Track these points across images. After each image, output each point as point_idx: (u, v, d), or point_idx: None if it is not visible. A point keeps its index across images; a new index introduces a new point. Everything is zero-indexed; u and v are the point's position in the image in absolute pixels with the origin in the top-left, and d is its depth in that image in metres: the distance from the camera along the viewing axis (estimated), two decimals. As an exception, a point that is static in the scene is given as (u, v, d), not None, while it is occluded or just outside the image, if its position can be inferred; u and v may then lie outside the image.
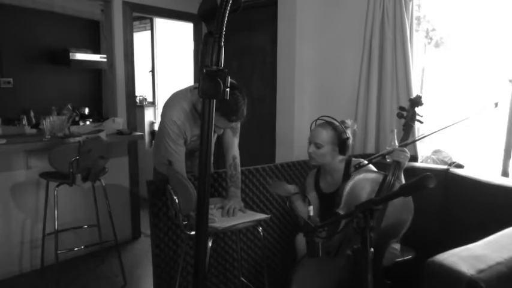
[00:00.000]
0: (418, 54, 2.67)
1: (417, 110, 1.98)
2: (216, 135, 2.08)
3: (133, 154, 3.62)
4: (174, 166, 1.97)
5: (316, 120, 2.02)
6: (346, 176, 1.94)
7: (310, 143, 2.00)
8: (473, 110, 2.04)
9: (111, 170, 3.02)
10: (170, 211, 2.06)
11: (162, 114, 2.03)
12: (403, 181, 1.85)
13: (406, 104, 2.50)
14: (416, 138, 2.14)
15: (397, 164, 1.79)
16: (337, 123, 1.97)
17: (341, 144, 1.94)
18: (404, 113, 1.98)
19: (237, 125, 2.13)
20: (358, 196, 1.75)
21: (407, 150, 1.83)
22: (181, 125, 1.96)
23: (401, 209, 1.70)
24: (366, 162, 1.86)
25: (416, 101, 1.97)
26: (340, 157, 2.02)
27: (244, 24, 3.42)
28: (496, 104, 1.95)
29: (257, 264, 2.52)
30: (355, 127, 2.06)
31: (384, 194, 1.69)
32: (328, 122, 2.00)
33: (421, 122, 2.00)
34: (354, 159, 2.04)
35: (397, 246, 1.93)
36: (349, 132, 1.98)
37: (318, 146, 1.95)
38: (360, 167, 1.81)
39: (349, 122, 2.02)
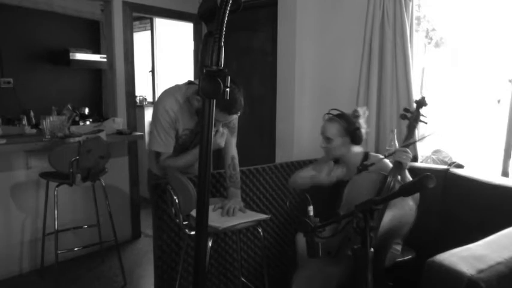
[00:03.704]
0: (418, 54, 2.66)
1: (421, 111, 1.99)
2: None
3: (133, 154, 3.62)
4: (161, 158, 1.94)
5: (326, 114, 2.05)
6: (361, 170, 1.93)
7: (322, 137, 2.03)
8: (475, 108, 2.05)
9: (111, 170, 3.03)
10: (169, 210, 2.06)
11: (155, 105, 2.02)
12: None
13: (405, 104, 2.52)
14: (418, 139, 2.14)
15: (399, 165, 1.80)
16: (346, 115, 1.99)
17: (351, 134, 1.96)
18: (408, 114, 2.00)
19: (235, 124, 2.12)
20: (358, 196, 1.75)
21: (409, 151, 1.83)
22: (173, 115, 1.93)
23: (403, 211, 1.70)
24: (380, 157, 1.89)
25: (422, 102, 1.98)
26: (357, 149, 2.03)
27: (244, 24, 3.42)
28: (499, 101, 1.96)
29: (257, 264, 2.52)
30: (367, 113, 2.07)
31: (385, 194, 1.69)
32: (337, 115, 2.01)
33: (425, 123, 2.00)
34: (372, 154, 2.05)
35: (398, 247, 1.93)
36: (361, 121, 1.99)
37: (329, 140, 1.99)
38: (364, 168, 1.81)
39: (360, 110, 2.03)
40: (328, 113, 2.05)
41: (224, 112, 1.84)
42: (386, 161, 1.92)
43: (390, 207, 1.72)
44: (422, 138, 2.04)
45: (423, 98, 1.99)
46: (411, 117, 1.98)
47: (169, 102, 1.93)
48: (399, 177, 1.83)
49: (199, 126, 1.99)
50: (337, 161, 2.13)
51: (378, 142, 2.75)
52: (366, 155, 2.05)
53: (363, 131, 2.00)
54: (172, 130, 1.96)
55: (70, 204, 3.16)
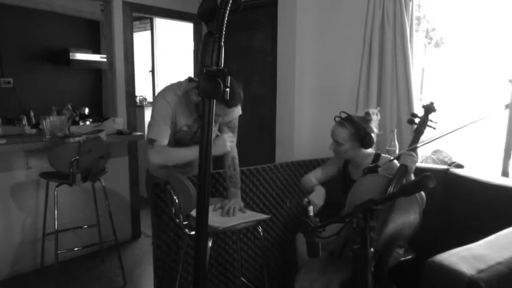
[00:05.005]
0: (418, 54, 2.66)
1: (430, 116, 1.99)
2: (215, 134, 2.06)
3: (133, 154, 3.62)
4: (155, 145, 1.89)
5: (336, 117, 2.04)
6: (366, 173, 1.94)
7: (332, 139, 2.04)
8: (483, 112, 2.05)
9: (111, 170, 3.03)
10: (169, 210, 2.06)
11: (154, 98, 2.02)
12: None
13: (405, 104, 2.53)
14: (425, 142, 2.13)
15: (405, 168, 1.79)
16: (355, 119, 1.98)
17: (361, 140, 1.95)
18: (416, 119, 2.00)
19: (235, 124, 2.12)
20: (362, 199, 1.75)
21: (415, 155, 1.82)
22: (173, 107, 1.92)
23: (408, 215, 1.70)
24: (390, 158, 1.91)
25: (430, 108, 1.98)
26: (368, 150, 2.03)
27: (244, 24, 3.42)
28: (507, 106, 1.96)
29: (257, 264, 2.52)
30: (379, 117, 2.06)
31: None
32: (347, 119, 2.00)
33: (434, 128, 2.00)
34: (383, 155, 2.05)
35: (401, 250, 1.93)
36: (372, 126, 1.98)
37: (338, 144, 2.00)
38: (370, 170, 1.81)
39: (372, 113, 2.01)
40: (338, 116, 2.03)
41: (223, 104, 1.81)
42: (395, 162, 1.92)
43: (395, 210, 1.71)
44: (429, 141, 2.02)
45: (432, 103, 1.99)
46: (419, 122, 1.98)
47: (169, 95, 1.94)
48: (404, 181, 1.83)
49: (198, 122, 1.99)
50: (347, 161, 2.14)
51: (377, 142, 2.75)
52: (377, 156, 2.05)
53: (374, 135, 1.98)
54: (169, 120, 1.94)
55: (70, 204, 3.16)
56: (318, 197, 2.01)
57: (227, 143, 1.92)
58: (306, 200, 1.96)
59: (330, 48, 2.94)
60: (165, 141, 1.92)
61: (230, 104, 1.83)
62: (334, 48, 2.93)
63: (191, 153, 1.96)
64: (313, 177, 2.17)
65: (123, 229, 3.54)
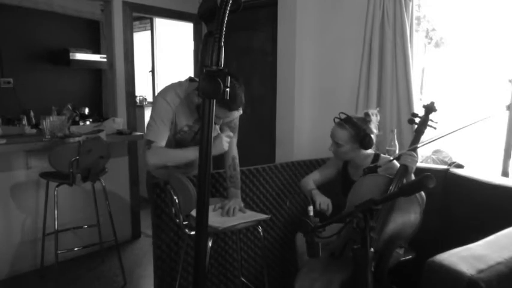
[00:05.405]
0: (418, 54, 2.66)
1: (430, 116, 1.99)
2: (216, 132, 2.06)
3: (133, 154, 3.62)
4: (152, 147, 1.86)
5: (335, 118, 2.03)
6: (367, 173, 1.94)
7: (332, 140, 2.03)
8: (483, 112, 2.05)
9: (111, 170, 3.03)
10: (169, 210, 2.06)
11: (155, 97, 2.00)
12: None
13: (405, 104, 2.53)
14: (425, 142, 2.13)
15: (405, 168, 1.79)
16: (355, 120, 1.98)
17: (361, 141, 1.95)
18: (416, 119, 1.99)
19: (236, 124, 2.12)
20: (362, 199, 1.75)
21: (415, 155, 1.82)
22: (173, 107, 1.91)
23: (408, 214, 1.70)
24: (390, 158, 1.91)
25: (431, 107, 1.98)
26: (367, 152, 2.03)
27: (244, 24, 3.42)
28: (508, 107, 1.96)
29: (257, 264, 2.52)
30: (379, 117, 2.05)
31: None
32: (346, 120, 1.99)
33: (435, 128, 2.00)
34: (382, 155, 2.05)
35: (401, 250, 1.93)
36: (372, 127, 1.98)
37: (338, 145, 1.99)
38: (370, 170, 1.81)
39: (371, 114, 2.00)
40: (337, 117, 2.03)
41: (224, 108, 1.81)
42: (395, 162, 1.91)
43: (395, 210, 1.71)
44: (428, 142, 2.01)
45: (432, 103, 1.99)
46: (419, 122, 1.98)
47: (170, 95, 1.92)
48: (405, 180, 1.83)
49: (198, 122, 1.98)
50: (346, 162, 2.14)
51: (377, 142, 2.75)
52: (377, 157, 2.04)
53: (373, 136, 1.97)
54: (169, 121, 1.92)
55: (70, 204, 3.16)
56: (325, 203, 2.00)
57: (224, 142, 1.90)
58: (310, 208, 1.94)
59: (330, 48, 2.94)
60: (163, 143, 1.91)
61: (232, 108, 1.83)
62: (334, 48, 2.93)
63: (189, 154, 1.95)
64: (311, 180, 2.16)
65: (123, 229, 3.54)
